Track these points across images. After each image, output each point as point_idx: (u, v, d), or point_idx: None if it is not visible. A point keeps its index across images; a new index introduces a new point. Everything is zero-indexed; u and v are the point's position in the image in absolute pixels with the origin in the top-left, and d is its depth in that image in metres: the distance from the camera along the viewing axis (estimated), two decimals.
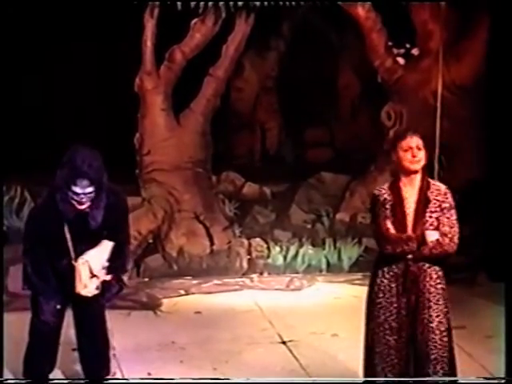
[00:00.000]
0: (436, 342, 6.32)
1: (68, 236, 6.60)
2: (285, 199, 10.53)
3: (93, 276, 6.65)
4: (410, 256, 6.22)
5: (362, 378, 6.52)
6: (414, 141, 6.22)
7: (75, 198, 6.46)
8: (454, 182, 9.75)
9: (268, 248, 10.17)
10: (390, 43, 10.17)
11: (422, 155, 6.21)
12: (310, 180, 10.48)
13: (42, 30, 9.56)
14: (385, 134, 10.27)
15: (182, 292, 9.58)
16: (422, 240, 6.19)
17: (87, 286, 6.64)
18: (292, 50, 10.89)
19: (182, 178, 10.16)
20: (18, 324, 7.17)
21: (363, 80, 10.85)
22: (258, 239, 10.22)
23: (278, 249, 10.16)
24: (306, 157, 11.19)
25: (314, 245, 10.20)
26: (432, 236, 6.19)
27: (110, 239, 6.71)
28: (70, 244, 6.61)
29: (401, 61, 10.17)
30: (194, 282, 9.79)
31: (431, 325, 6.29)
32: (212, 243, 10.12)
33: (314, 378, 7.28)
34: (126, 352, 7.90)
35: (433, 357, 6.33)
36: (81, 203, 6.48)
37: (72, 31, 9.46)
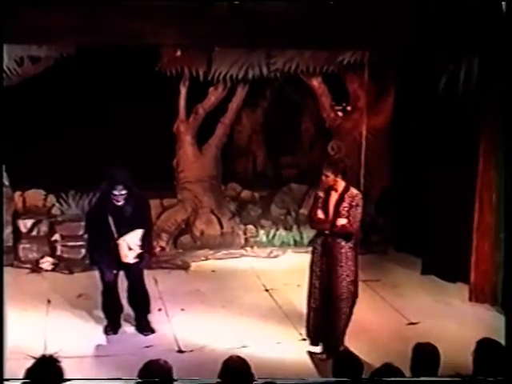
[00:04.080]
0: (344, 288, 6.45)
1: (112, 224, 6.68)
2: (267, 201, 10.40)
3: (130, 249, 6.73)
4: (326, 232, 6.41)
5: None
6: (324, 172, 6.43)
7: (114, 198, 6.62)
8: (373, 190, 9.88)
9: (257, 231, 10.13)
10: (333, 103, 10.14)
11: (327, 180, 6.41)
12: (283, 189, 10.36)
13: (103, 95, 9.32)
14: None
15: (203, 258, 9.54)
16: (333, 223, 6.35)
17: (127, 256, 6.74)
18: (272, 107, 10.82)
19: (202, 187, 10.08)
20: None
21: (317, 126, 10.76)
22: (250, 226, 10.16)
23: (263, 232, 10.13)
24: (281, 174, 11.05)
25: (285, 229, 10.18)
26: (341, 221, 6.35)
27: (140, 227, 6.78)
28: (113, 229, 6.69)
29: (340, 114, 10.16)
30: (211, 252, 9.72)
31: (342, 277, 6.44)
32: (222, 228, 10.05)
33: (288, 317, 7.20)
34: (168, 296, 7.92)
35: (342, 297, 6.47)
36: (118, 201, 6.64)
37: (133, 97, 9.32)
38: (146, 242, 6.86)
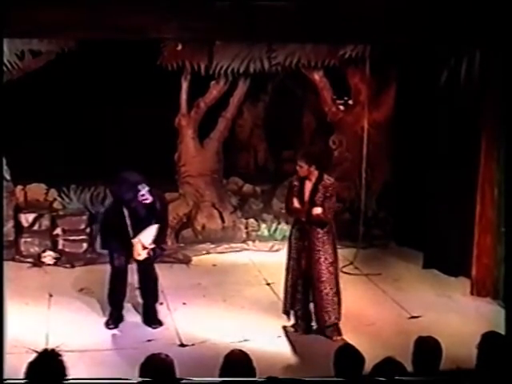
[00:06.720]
0: (323, 271, 6.63)
1: (129, 224, 6.71)
2: (269, 195, 10.41)
3: (144, 248, 6.77)
4: (303, 219, 6.60)
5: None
6: (298, 162, 6.62)
7: (142, 198, 6.63)
8: (374, 184, 9.88)
9: (258, 225, 10.13)
10: (334, 97, 10.10)
11: (302, 170, 6.58)
12: (284, 183, 10.28)
13: (104, 89, 9.25)
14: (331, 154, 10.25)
15: (205, 252, 9.55)
16: (308, 212, 6.53)
17: (140, 255, 6.79)
18: (273, 101, 10.80)
19: (204, 181, 10.07)
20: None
21: (318, 119, 10.75)
22: (252, 219, 10.16)
23: (264, 225, 10.14)
24: (283, 168, 11.03)
25: (287, 223, 9.97)
26: (316, 211, 6.52)
27: (157, 223, 6.80)
28: (130, 229, 6.73)
29: (341, 108, 10.12)
30: (212, 246, 9.73)
31: (320, 260, 6.62)
32: (223, 222, 10.05)
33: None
34: (169, 290, 7.92)
35: (322, 279, 6.63)
36: (147, 198, 6.64)
37: (134, 91, 9.27)
38: (160, 238, 6.93)
